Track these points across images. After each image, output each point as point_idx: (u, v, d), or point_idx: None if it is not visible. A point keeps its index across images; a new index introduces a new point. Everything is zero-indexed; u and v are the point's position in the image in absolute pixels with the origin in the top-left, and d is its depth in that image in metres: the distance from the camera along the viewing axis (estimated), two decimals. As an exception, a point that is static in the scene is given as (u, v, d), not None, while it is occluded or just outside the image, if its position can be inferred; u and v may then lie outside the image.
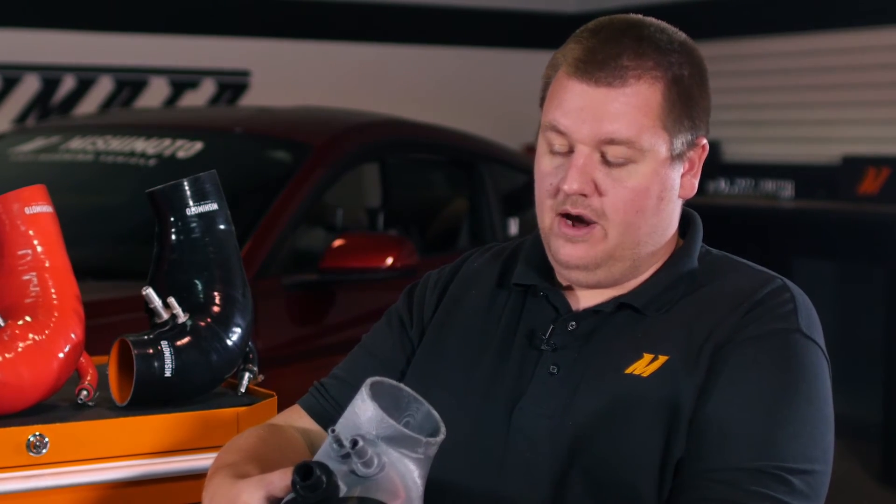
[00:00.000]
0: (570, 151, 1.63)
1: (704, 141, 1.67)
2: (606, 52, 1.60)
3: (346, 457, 1.33)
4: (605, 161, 1.61)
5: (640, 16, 1.67)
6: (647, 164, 1.61)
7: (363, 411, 1.35)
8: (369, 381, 1.36)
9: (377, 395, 1.36)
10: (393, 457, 1.34)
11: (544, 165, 1.66)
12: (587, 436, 1.60)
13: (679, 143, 1.63)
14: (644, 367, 1.60)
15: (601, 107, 1.60)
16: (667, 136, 1.62)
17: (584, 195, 1.62)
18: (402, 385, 1.39)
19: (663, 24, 1.66)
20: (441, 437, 1.38)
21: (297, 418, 1.76)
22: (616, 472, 1.58)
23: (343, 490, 1.32)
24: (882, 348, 5.70)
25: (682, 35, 1.66)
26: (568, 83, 1.62)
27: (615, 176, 1.61)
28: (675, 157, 1.64)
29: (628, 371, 1.61)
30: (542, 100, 1.67)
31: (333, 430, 1.32)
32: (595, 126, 1.60)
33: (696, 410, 1.57)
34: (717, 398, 1.56)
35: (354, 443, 1.31)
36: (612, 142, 1.60)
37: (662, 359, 1.60)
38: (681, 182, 1.66)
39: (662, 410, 1.58)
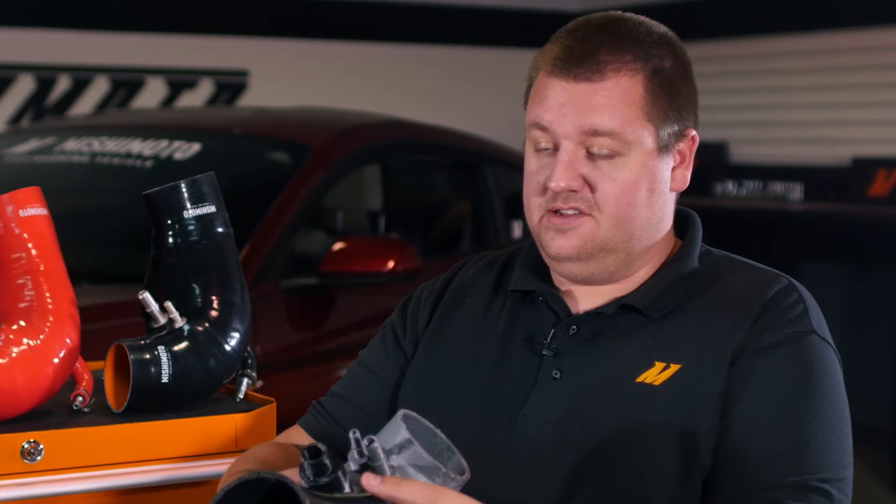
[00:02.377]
0: (556, 150, 1.63)
1: (694, 132, 1.66)
2: (584, 48, 1.61)
3: (364, 467, 1.34)
4: (591, 156, 1.61)
5: (619, 12, 1.67)
6: (633, 156, 1.61)
7: (393, 433, 1.36)
8: (404, 411, 1.38)
9: (412, 429, 1.38)
10: (409, 474, 1.35)
11: (531, 165, 1.66)
12: (597, 444, 1.59)
13: (665, 134, 1.63)
14: (656, 375, 1.59)
15: (582, 101, 1.60)
16: (652, 127, 1.61)
17: (574, 191, 1.61)
18: (437, 430, 1.40)
19: (642, 17, 1.66)
20: (464, 477, 1.38)
21: (297, 437, 1.77)
22: (628, 481, 1.57)
23: (349, 491, 1.33)
24: (893, 353, 5.69)
25: (663, 28, 1.66)
26: (548, 81, 1.63)
27: (603, 170, 1.61)
28: (663, 149, 1.63)
29: (639, 379, 1.60)
30: (526, 102, 1.68)
31: (354, 432, 1.34)
32: (578, 119, 1.60)
33: (724, 426, 1.56)
34: (747, 413, 1.56)
35: (370, 441, 1.33)
36: (596, 133, 1.60)
37: (675, 367, 1.59)
38: (672, 175, 1.66)
39: (677, 420, 1.57)
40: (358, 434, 1.33)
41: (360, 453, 1.33)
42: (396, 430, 1.36)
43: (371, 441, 1.33)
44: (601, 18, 1.66)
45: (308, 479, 1.31)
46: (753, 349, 1.58)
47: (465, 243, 4.59)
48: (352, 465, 1.34)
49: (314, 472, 1.31)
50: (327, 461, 1.31)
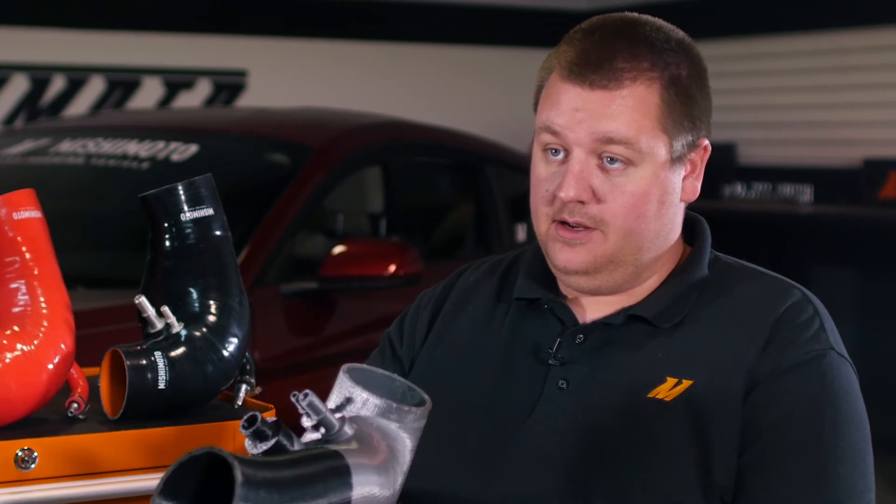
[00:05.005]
0: (566, 157, 1.60)
1: (706, 142, 1.64)
2: (600, 53, 1.58)
3: (317, 425, 1.34)
4: (602, 167, 1.59)
5: (636, 14, 1.64)
6: (645, 167, 1.59)
7: (339, 388, 1.38)
8: (347, 365, 1.39)
9: (364, 382, 1.38)
10: (365, 420, 1.35)
11: (540, 171, 1.63)
12: (605, 457, 1.57)
13: (679, 145, 1.61)
14: (667, 391, 1.57)
15: (597, 109, 1.57)
16: (666, 138, 1.59)
17: (582, 202, 1.59)
18: (394, 375, 1.41)
19: (660, 22, 1.64)
20: (424, 408, 1.38)
21: None
22: (637, 494, 1.55)
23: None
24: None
25: (680, 33, 1.64)
26: (562, 86, 1.60)
27: (614, 181, 1.59)
28: (676, 160, 1.61)
29: (651, 395, 1.58)
30: (536, 103, 1.65)
31: (294, 393, 1.34)
32: (592, 126, 1.57)
33: (750, 455, 1.54)
34: (773, 440, 1.54)
35: (305, 395, 1.33)
36: (610, 141, 1.57)
37: (687, 383, 1.57)
38: (682, 185, 1.63)
39: (689, 435, 1.55)
40: (296, 393, 1.34)
41: (306, 412, 1.34)
42: (340, 385, 1.37)
43: (307, 395, 1.33)
44: (618, 21, 1.63)
45: (253, 449, 1.32)
46: (774, 372, 1.56)
47: (468, 246, 4.60)
48: (309, 431, 1.34)
49: (255, 440, 1.32)
50: (264, 428, 1.31)
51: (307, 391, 1.33)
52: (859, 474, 1.54)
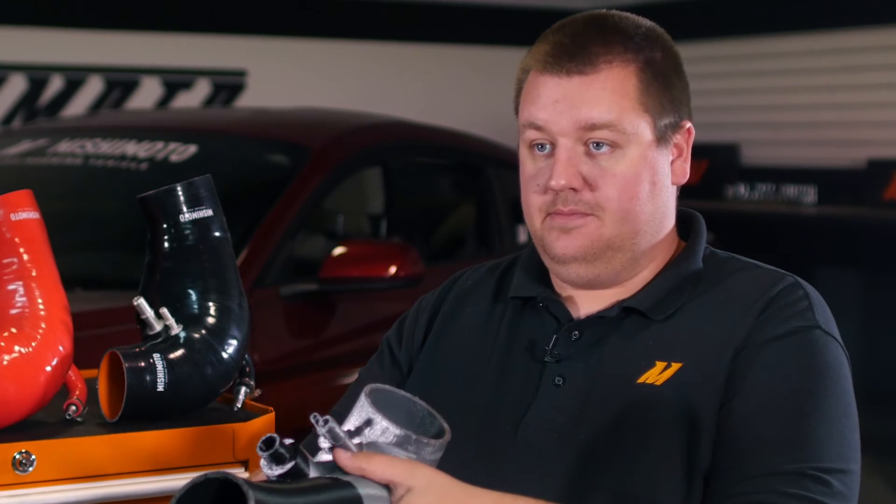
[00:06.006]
0: (553, 150, 1.62)
1: (689, 124, 1.66)
2: (573, 42, 1.61)
3: (332, 449, 1.35)
4: (590, 153, 1.60)
5: (602, 10, 1.68)
6: (633, 148, 1.60)
7: (359, 411, 1.37)
8: (369, 387, 1.39)
9: (384, 404, 1.38)
10: (381, 448, 1.35)
11: (528, 169, 1.66)
12: (602, 448, 1.57)
13: (662, 124, 1.62)
14: (657, 375, 1.58)
15: (577, 95, 1.60)
16: (649, 118, 1.61)
17: (574, 189, 1.60)
18: (415, 398, 1.41)
19: (627, 13, 1.67)
20: (442, 440, 1.38)
21: None
22: (636, 484, 1.55)
23: (315, 476, 1.34)
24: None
25: (650, 22, 1.66)
26: (540, 79, 1.62)
27: (603, 166, 1.60)
28: (661, 141, 1.63)
29: (640, 380, 1.59)
30: (517, 106, 1.67)
31: (315, 416, 1.34)
32: (574, 114, 1.59)
33: (723, 417, 1.54)
34: (746, 403, 1.54)
35: (326, 421, 1.33)
36: (593, 126, 1.59)
37: (676, 366, 1.58)
38: (671, 168, 1.65)
39: (679, 419, 1.55)
40: (317, 416, 1.34)
41: (323, 436, 1.34)
42: (361, 408, 1.37)
43: (327, 421, 1.33)
44: (586, 16, 1.67)
45: (269, 470, 1.32)
46: (756, 342, 1.57)
47: (469, 247, 4.60)
48: (324, 451, 1.34)
49: (272, 463, 1.32)
50: (283, 451, 1.31)
51: (328, 417, 1.33)
52: (834, 444, 1.52)
